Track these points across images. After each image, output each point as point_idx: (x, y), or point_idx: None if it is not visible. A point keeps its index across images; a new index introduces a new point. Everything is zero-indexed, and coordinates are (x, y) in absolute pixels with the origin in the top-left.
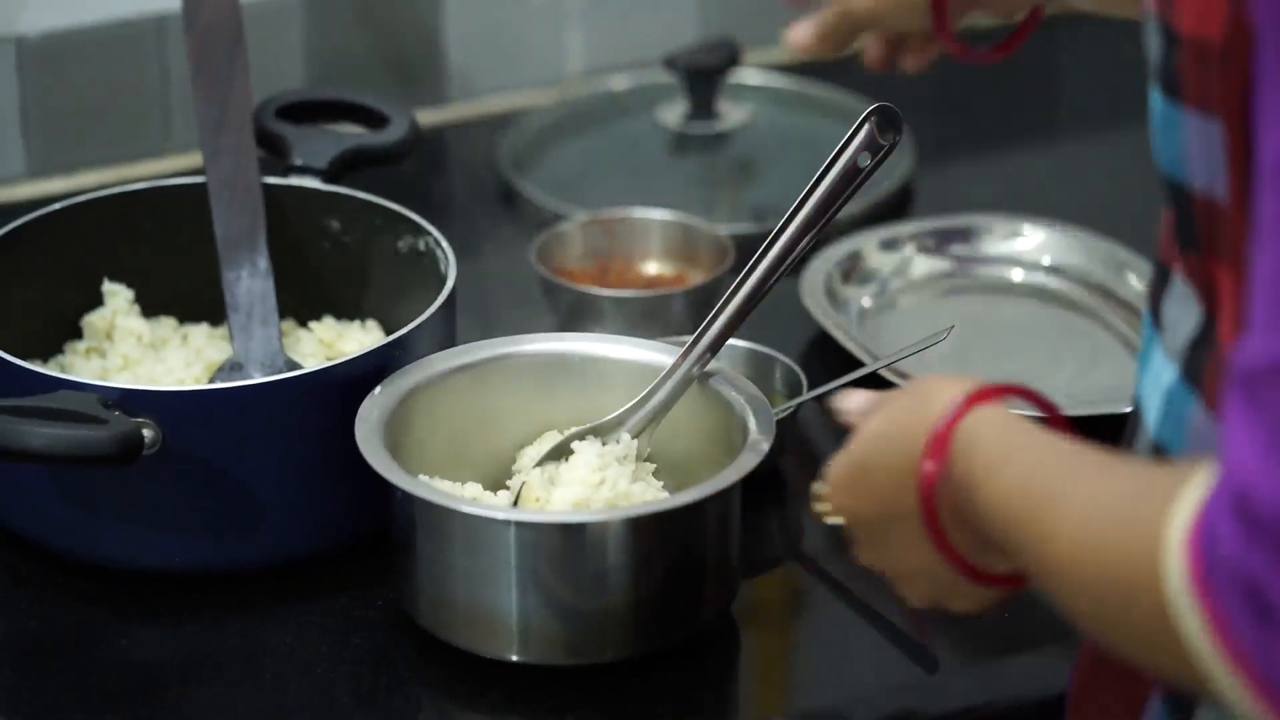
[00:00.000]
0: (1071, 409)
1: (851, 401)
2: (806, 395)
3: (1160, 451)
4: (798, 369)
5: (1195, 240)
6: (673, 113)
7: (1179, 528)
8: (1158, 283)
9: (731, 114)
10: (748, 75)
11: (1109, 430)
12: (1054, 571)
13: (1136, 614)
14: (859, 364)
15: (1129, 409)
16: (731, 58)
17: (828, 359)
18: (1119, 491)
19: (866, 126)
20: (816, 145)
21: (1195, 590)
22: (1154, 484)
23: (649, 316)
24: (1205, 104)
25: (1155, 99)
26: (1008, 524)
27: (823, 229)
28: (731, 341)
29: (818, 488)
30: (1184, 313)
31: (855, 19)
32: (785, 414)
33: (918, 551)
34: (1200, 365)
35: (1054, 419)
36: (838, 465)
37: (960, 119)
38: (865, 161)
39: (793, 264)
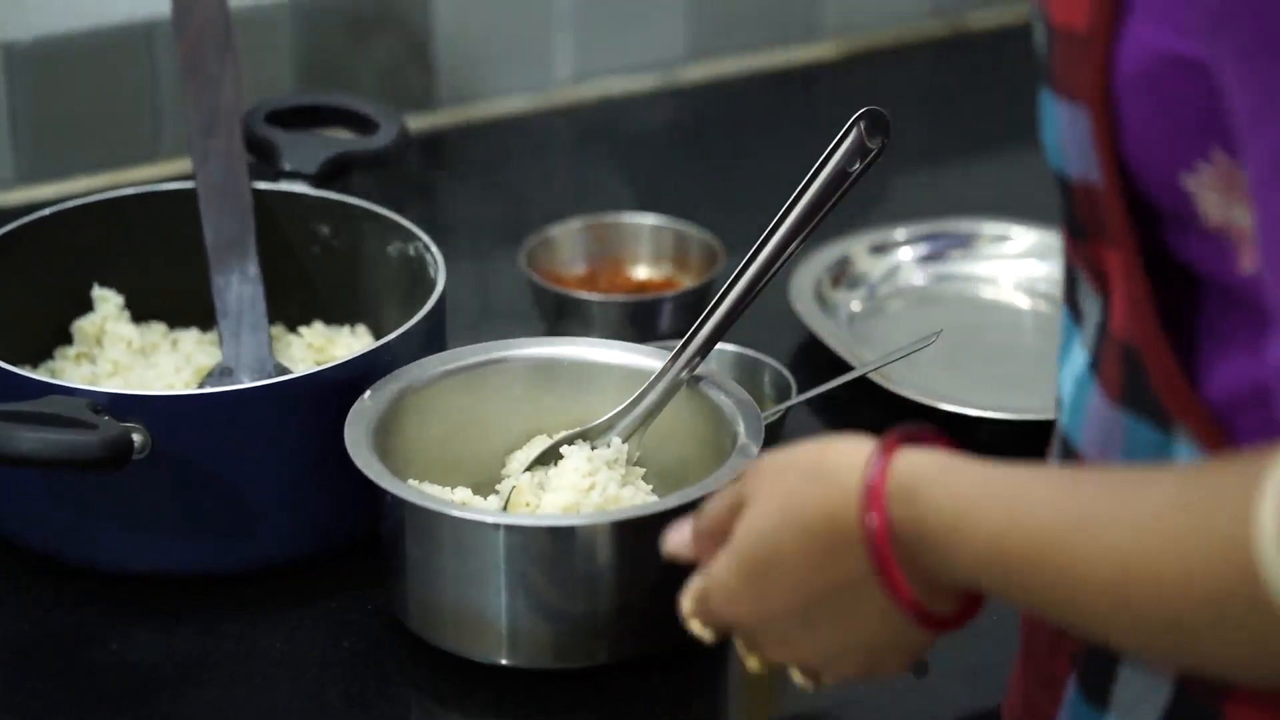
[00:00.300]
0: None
1: (673, 537)
2: (795, 399)
3: (1065, 440)
4: (787, 373)
5: (1080, 227)
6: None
7: (1271, 524)
8: (1071, 280)
9: None
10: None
11: None
12: (1097, 600)
13: (1229, 627)
14: (848, 368)
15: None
16: None
17: (817, 363)
18: (1169, 502)
19: (855, 130)
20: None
21: None
22: (1214, 484)
23: (639, 321)
24: (1073, 91)
25: (1041, 93)
26: (1010, 567)
27: (811, 233)
28: (721, 345)
29: (686, 608)
30: (1091, 305)
31: None
32: (774, 418)
33: (849, 623)
34: (1099, 353)
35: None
36: (719, 580)
37: (950, 123)
38: (854, 165)
39: (781, 268)
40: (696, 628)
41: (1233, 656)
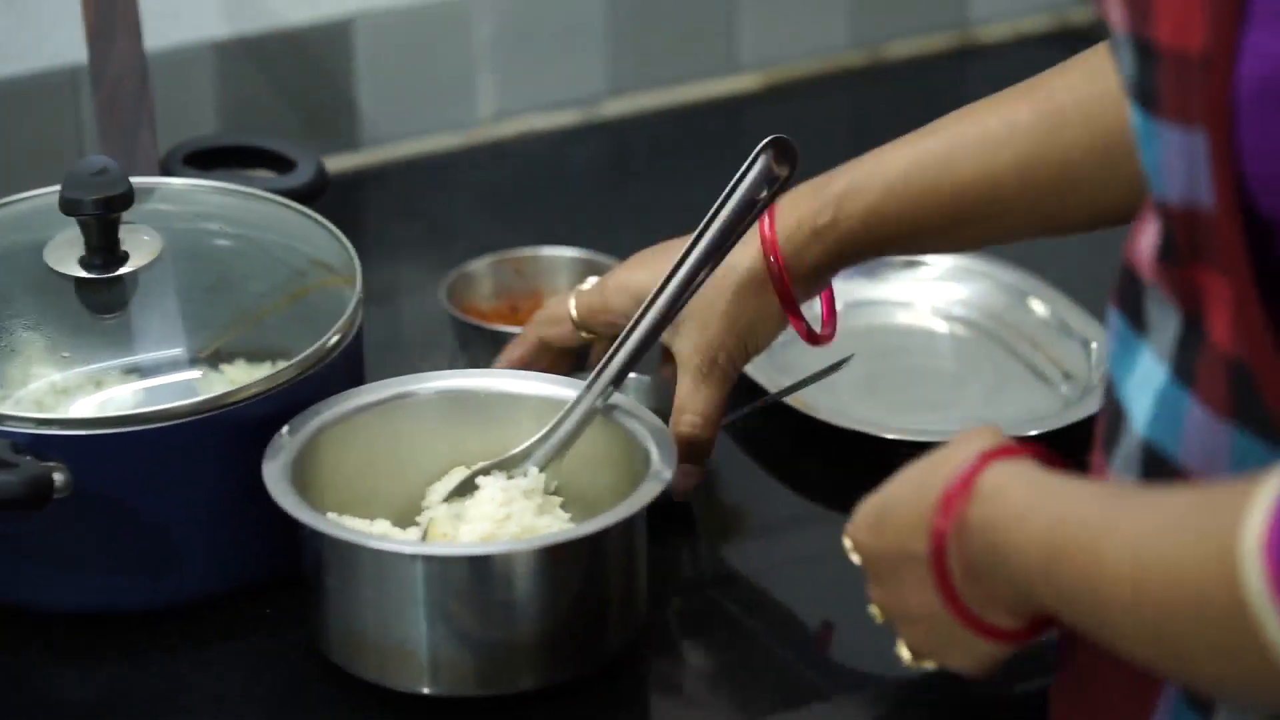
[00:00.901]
0: None
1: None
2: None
3: (1151, 450)
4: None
5: (1173, 251)
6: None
7: (1253, 534)
8: (1133, 289)
9: None
10: None
11: None
12: (1110, 603)
13: (1211, 630)
14: (764, 393)
15: (1035, 432)
16: None
17: (735, 390)
18: (1176, 511)
19: (762, 159)
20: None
21: (1275, 594)
22: (1216, 498)
23: None
24: (1186, 114)
25: (1134, 116)
26: (1048, 565)
27: (719, 262)
28: (635, 375)
29: (848, 527)
30: (1165, 316)
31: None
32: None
33: (924, 596)
34: (1192, 365)
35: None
36: (866, 504)
37: (866, 148)
38: (761, 193)
39: (692, 294)
40: (845, 540)
41: (1209, 660)
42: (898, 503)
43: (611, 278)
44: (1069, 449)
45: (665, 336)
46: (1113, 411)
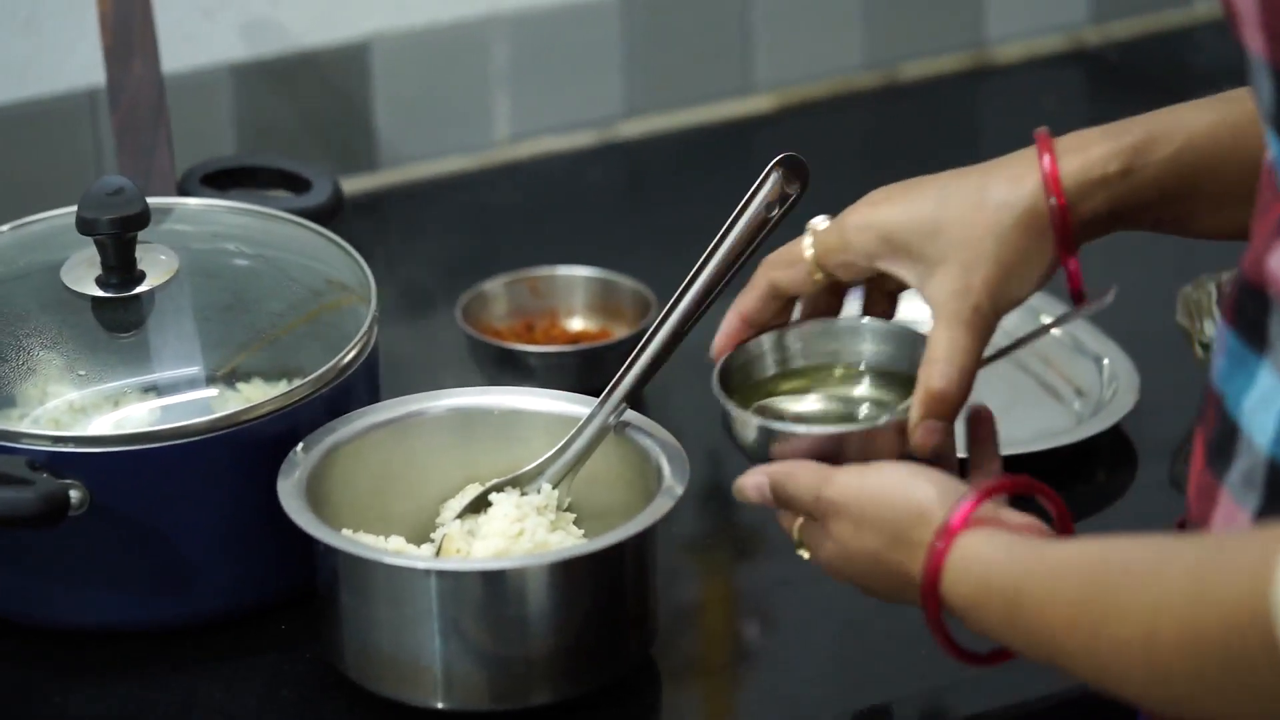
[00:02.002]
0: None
1: (750, 487)
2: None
3: (1277, 469)
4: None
5: None
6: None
7: None
8: (1254, 305)
9: None
10: None
11: (1032, 468)
12: (1128, 658)
13: (1246, 664)
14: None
15: (1049, 446)
16: None
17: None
18: (1194, 561)
19: (773, 177)
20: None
21: None
22: (1238, 545)
23: (576, 371)
24: None
25: (1273, 144)
26: (1054, 638)
27: (734, 277)
28: (872, 320)
29: (795, 533)
30: None
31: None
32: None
33: (886, 582)
34: None
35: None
36: (820, 549)
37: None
38: (773, 211)
39: (705, 312)
40: (802, 552)
41: (1248, 708)
42: (865, 581)
43: (852, 214)
44: (1080, 465)
45: (913, 279)
46: (1224, 429)
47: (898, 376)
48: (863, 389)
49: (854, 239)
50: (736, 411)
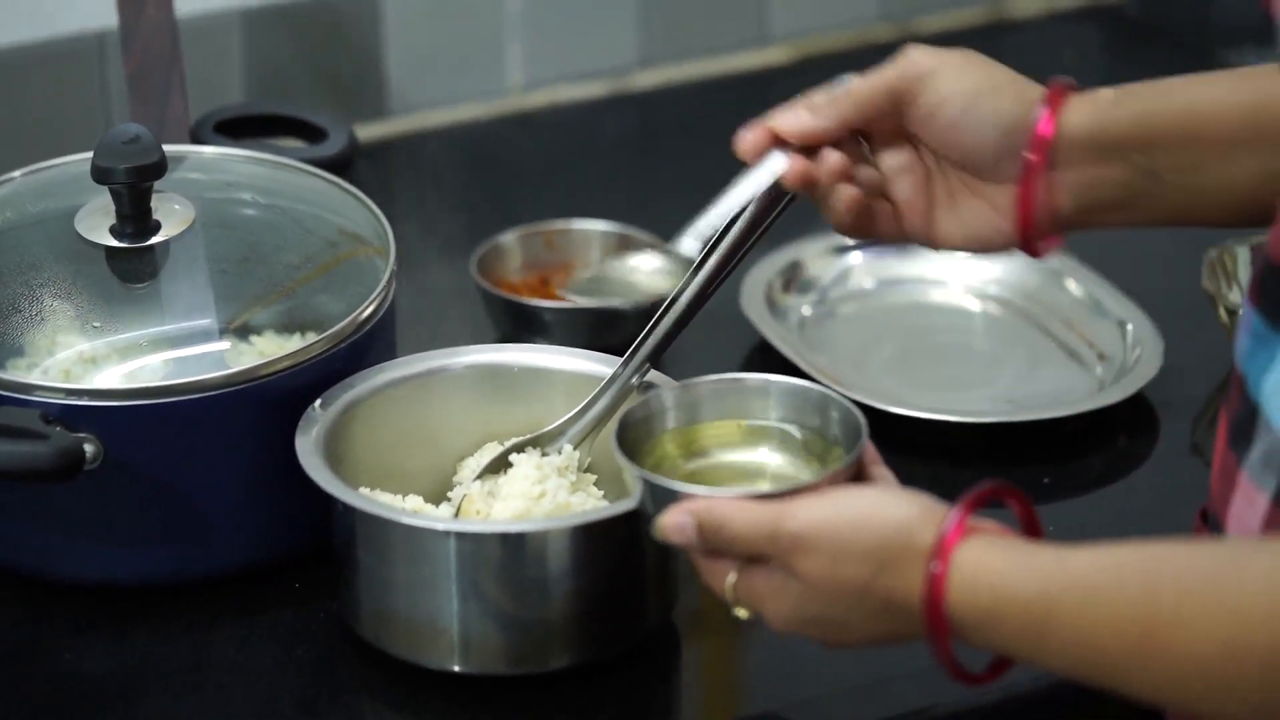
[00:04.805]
0: (1014, 415)
1: (673, 528)
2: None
3: None
4: (857, 411)
5: None
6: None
7: None
8: (1271, 286)
9: None
10: None
11: (1053, 433)
12: (1196, 681)
13: None
14: (800, 373)
15: (1072, 412)
16: None
17: (769, 368)
18: (1267, 576)
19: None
20: None
21: None
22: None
23: (590, 327)
24: None
25: None
26: (1103, 661)
27: (762, 236)
28: (783, 379)
29: (729, 595)
30: None
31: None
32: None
33: (880, 639)
34: None
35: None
36: (773, 609)
37: None
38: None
39: (732, 272)
40: (740, 612)
41: None
42: (845, 625)
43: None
44: (1102, 430)
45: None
46: (1245, 410)
47: (803, 438)
48: (766, 449)
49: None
50: (635, 471)
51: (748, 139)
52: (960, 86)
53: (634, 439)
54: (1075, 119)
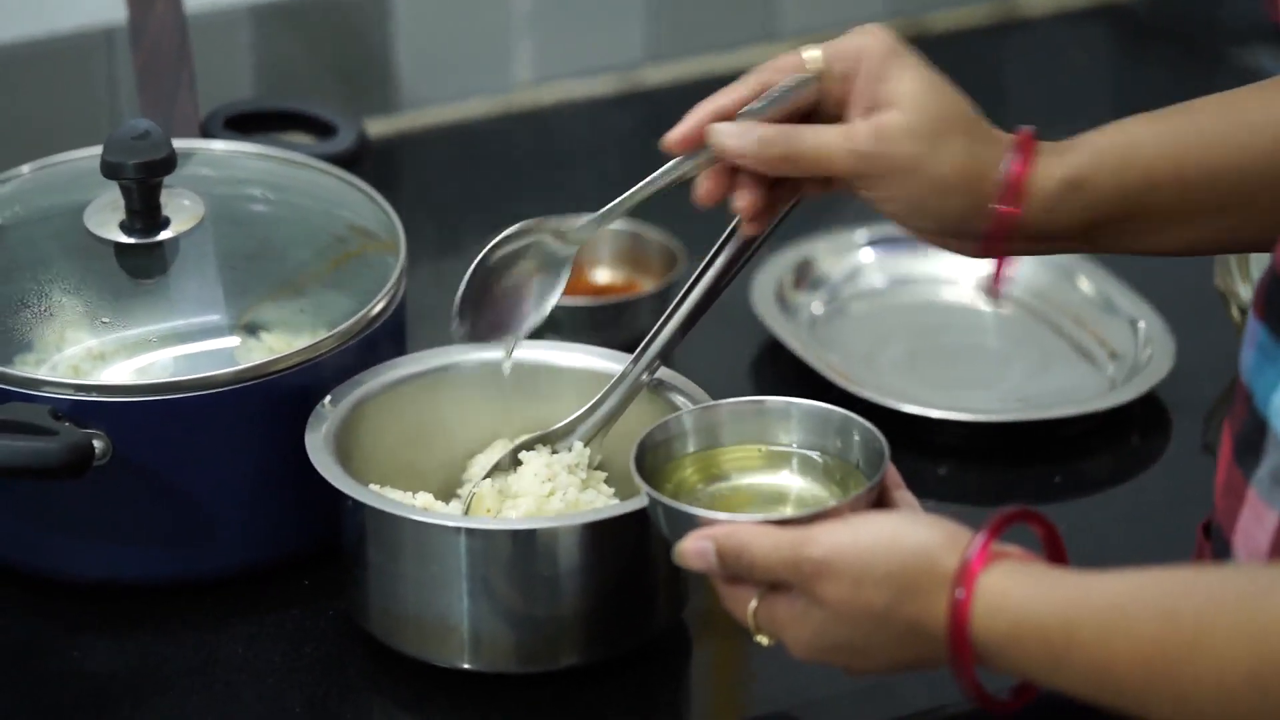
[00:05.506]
0: (1025, 413)
1: (693, 554)
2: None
3: None
4: (878, 433)
5: None
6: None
7: None
8: (1275, 295)
9: None
10: None
11: (1064, 432)
12: (1224, 710)
13: None
14: (810, 370)
15: (1083, 411)
16: None
17: (779, 366)
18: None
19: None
20: None
21: None
22: None
23: (601, 324)
24: None
25: None
26: (1124, 689)
27: (772, 233)
28: (804, 401)
29: (750, 623)
30: None
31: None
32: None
33: (903, 664)
34: None
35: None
36: (795, 636)
37: None
38: None
39: (742, 269)
40: (761, 638)
41: None
42: (867, 652)
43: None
44: (1114, 429)
45: (867, 95)
46: (1252, 425)
47: (825, 463)
48: (786, 473)
49: (861, 40)
50: (654, 496)
51: (678, 134)
52: (904, 192)
53: (653, 463)
54: (1037, 202)
